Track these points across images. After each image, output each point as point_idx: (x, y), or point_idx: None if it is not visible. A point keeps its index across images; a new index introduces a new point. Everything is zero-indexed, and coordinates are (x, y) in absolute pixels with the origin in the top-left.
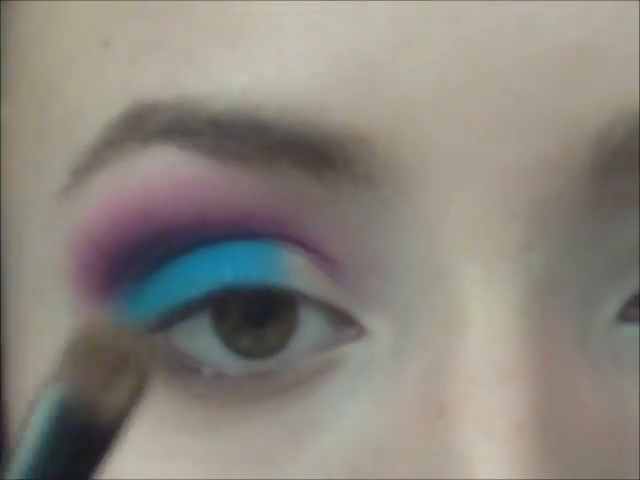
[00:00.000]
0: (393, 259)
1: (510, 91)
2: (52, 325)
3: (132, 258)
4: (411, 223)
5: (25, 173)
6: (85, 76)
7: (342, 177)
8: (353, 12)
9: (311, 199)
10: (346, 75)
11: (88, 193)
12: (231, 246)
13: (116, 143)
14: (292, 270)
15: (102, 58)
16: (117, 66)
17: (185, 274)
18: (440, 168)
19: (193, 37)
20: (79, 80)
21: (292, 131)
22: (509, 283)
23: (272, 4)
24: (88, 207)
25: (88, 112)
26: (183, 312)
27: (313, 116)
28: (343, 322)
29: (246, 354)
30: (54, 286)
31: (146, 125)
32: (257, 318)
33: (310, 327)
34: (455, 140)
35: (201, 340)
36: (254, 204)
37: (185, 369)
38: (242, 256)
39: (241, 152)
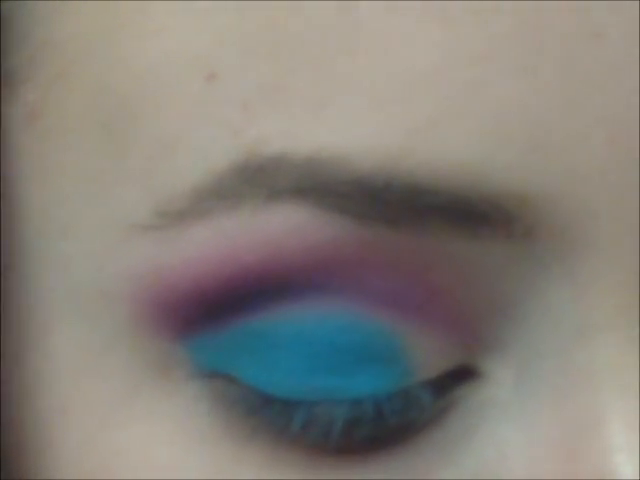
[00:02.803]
0: (530, 306)
1: None
2: (94, 343)
3: (227, 307)
4: (559, 278)
5: (76, 193)
6: (181, 110)
7: (496, 234)
8: (519, 66)
9: (453, 253)
10: (510, 134)
11: (182, 240)
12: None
13: (229, 195)
14: (418, 365)
15: (204, 93)
16: (224, 106)
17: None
18: (601, 230)
19: (327, 84)
20: (171, 113)
21: (449, 194)
22: None
23: None
24: (180, 253)
25: (183, 152)
26: None
27: (473, 179)
28: (458, 369)
29: None
30: (101, 307)
31: (271, 181)
32: None
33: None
34: (616, 203)
35: None
36: (388, 261)
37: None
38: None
39: (388, 215)
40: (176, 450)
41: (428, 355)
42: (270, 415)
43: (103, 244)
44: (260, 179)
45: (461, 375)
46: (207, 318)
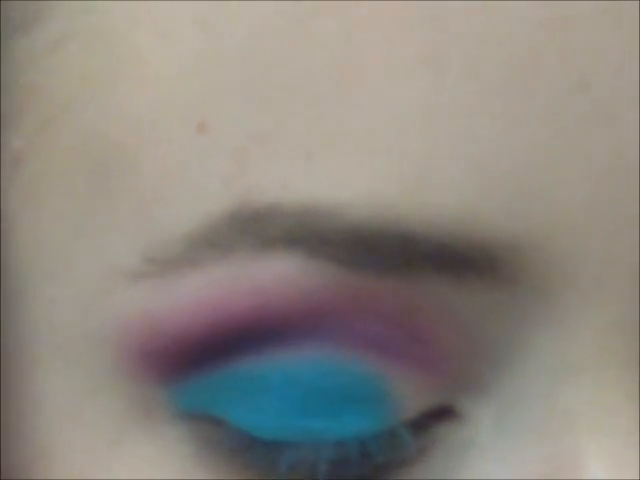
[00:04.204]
0: (511, 348)
1: None
2: (76, 387)
3: (217, 353)
4: (544, 321)
5: (65, 238)
6: (172, 158)
7: (482, 280)
8: (507, 115)
9: (437, 298)
10: (498, 182)
11: (174, 288)
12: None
13: (221, 244)
14: (400, 406)
15: (196, 143)
16: (216, 154)
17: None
18: (586, 271)
19: (319, 133)
20: (163, 160)
21: (439, 242)
22: (635, 393)
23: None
24: (172, 301)
25: (175, 199)
26: None
27: (462, 226)
28: (439, 409)
29: None
30: (86, 352)
31: (265, 230)
32: None
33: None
34: (603, 246)
35: None
36: (376, 308)
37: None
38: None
39: (382, 263)
40: None
41: (411, 396)
42: (256, 456)
43: (90, 289)
44: (253, 228)
45: (442, 415)
46: (195, 363)
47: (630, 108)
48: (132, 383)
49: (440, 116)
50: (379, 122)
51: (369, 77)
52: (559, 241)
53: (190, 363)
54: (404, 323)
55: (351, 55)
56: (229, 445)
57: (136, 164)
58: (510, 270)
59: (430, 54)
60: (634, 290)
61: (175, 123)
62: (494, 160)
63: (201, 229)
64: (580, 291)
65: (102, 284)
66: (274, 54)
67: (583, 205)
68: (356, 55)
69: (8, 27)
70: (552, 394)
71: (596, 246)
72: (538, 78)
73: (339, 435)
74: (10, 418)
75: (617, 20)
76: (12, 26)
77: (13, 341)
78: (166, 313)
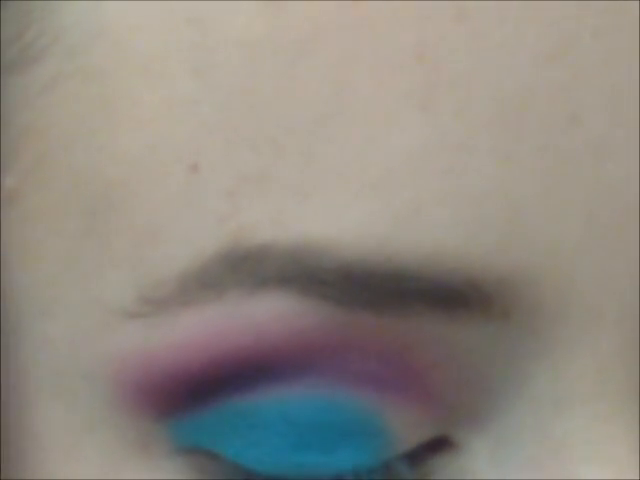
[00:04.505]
0: (506, 382)
1: None
2: (72, 423)
3: (212, 391)
4: (537, 355)
5: (59, 277)
6: (164, 198)
7: (474, 316)
8: (498, 152)
9: (430, 334)
10: (489, 219)
11: (168, 327)
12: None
13: (214, 283)
14: (396, 439)
15: (188, 183)
16: (208, 194)
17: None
18: (578, 305)
19: (311, 172)
20: (155, 200)
21: (432, 279)
22: (635, 425)
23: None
24: (166, 340)
25: (168, 239)
26: None
27: (454, 264)
28: (435, 441)
29: None
30: (81, 388)
31: (258, 270)
32: None
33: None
34: (596, 279)
35: None
36: (368, 345)
37: None
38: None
39: (373, 301)
40: None
41: (406, 429)
42: None
43: (85, 327)
44: (245, 267)
45: (437, 446)
46: (190, 399)
47: (623, 143)
48: (129, 419)
49: (431, 154)
50: (370, 160)
51: (359, 116)
52: (551, 276)
53: (186, 399)
54: (397, 360)
55: (340, 94)
56: (226, 479)
57: (129, 204)
58: (502, 305)
59: (419, 93)
60: (634, 322)
61: (167, 164)
62: (485, 197)
63: (193, 269)
64: (573, 324)
65: (97, 323)
66: (264, 95)
67: (576, 240)
68: (345, 94)
69: (4, 67)
70: (547, 426)
71: (589, 279)
72: (529, 114)
73: (335, 470)
74: (10, 453)
75: (609, 54)
76: (8, 66)
77: (10, 379)
78: (161, 351)
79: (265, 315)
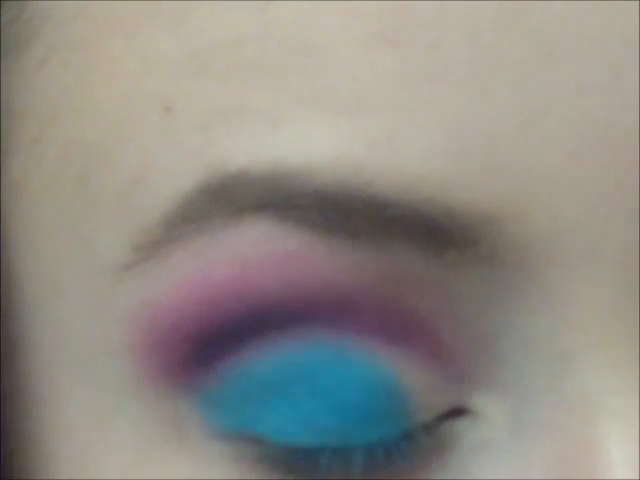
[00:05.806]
0: (511, 341)
1: None
2: (103, 404)
3: (219, 337)
4: (536, 304)
5: (62, 251)
6: (142, 144)
7: (463, 257)
8: (473, 85)
9: (424, 278)
10: (466, 151)
11: (162, 270)
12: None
13: (197, 217)
14: (415, 405)
15: (163, 125)
16: (184, 132)
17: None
18: (572, 246)
19: (282, 101)
20: (134, 148)
21: (410, 208)
22: None
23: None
24: (164, 284)
25: (150, 183)
26: None
27: (433, 193)
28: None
29: None
30: (106, 365)
31: (235, 197)
32: None
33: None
34: (589, 218)
35: None
36: (359, 283)
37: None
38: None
39: (350, 227)
40: None
41: (424, 395)
42: (295, 465)
43: (91, 296)
44: (223, 196)
45: (456, 415)
46: (202, 356)
47: (606, 79)
48: (154, 396)
49: (403, 85)
50: (341, 91)
51: (329, 51)
52: (538, 212)
53: (198, 356)
54: (394, 305)
55: (310, 29)
56: (267, 459)
57: (111, 160)
58: (491, 247)
59: (391, 30)
60: (634, 261)
61: (142, 112)
62: (461, 128)
63: (177, 206)
64: (569, 267)
65: (102, 286)
66: (232, 32)
67: (561, 176)
68: (315, 29)
69: (1, 54)
70: (559, 383)
71: (584, 218)
72: (504, 50)
73: (365, 440)
74: (41, 447)
75: None
76: (7, 49)
77: (38, 366)
78: (161, 298)
79: (245, 242)
